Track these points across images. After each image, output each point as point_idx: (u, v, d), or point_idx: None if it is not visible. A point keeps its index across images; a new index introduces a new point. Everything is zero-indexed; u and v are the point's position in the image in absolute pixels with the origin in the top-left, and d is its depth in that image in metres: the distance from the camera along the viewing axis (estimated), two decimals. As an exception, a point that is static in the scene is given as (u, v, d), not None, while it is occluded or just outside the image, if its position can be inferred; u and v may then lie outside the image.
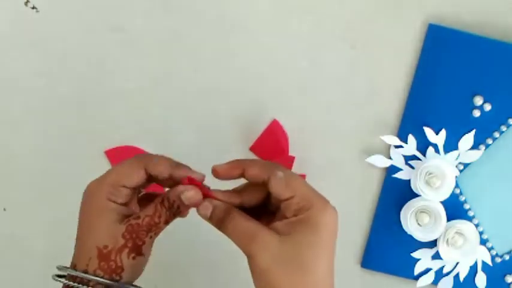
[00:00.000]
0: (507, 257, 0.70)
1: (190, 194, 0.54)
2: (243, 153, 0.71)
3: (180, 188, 0.54)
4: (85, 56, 0.72)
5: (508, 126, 0.70)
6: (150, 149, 0.71)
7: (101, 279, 0.53)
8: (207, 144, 0.72)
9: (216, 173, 0.55)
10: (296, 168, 0.71)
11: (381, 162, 0.71)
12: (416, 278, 0.70)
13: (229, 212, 0.54)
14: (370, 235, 0.71)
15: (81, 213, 0.56)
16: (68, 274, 0.54)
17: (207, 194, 0.54)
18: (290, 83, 0.72)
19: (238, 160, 0.55)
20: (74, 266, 0.55)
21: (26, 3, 0.73)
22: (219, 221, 0.54)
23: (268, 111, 0.72)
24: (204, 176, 0.55)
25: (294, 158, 0.71)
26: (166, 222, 0.55)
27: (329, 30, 0.72)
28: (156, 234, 0.55)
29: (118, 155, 0.71)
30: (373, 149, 0.71)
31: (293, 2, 0.72)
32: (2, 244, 0.73)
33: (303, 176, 0.71)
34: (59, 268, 0.55)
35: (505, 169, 0.70)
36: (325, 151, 0.72)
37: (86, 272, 0.54)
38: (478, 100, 0.70)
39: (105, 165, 0.71)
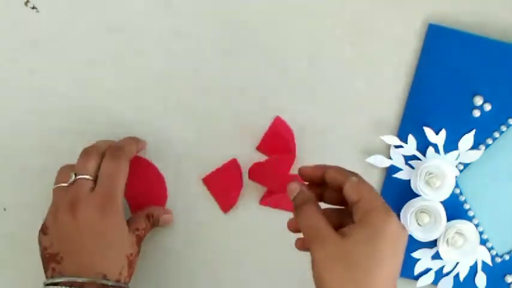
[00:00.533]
0: (507, 257, 0.70)
1: (168, 217, 0.69)
2: (250, 153, 0.71)
3: (161, 210, 0.68)
4: (85, 56, 0.72)
5: (508, 126, 0.70)
6: (150, 149, 0.71)
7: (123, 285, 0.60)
8: (208, 145, 0.72)
9: (302, 171, 0.59)
10: (296, 168, 0.71)
11: (381, 162, 0.71)
12: (416, 278, 0.70)
13: (307, 201, 0.56)
14: (370, 235, 0.71)
15: (104, 223, 0.60)
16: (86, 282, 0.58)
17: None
18: (290, 83, 0.72)
19: (321, 164, 0.59)
20: (103, 276, 0.58)
21: (26, 3, 0.73)
22: (296, 206, 0.56)
23: (268, 111, 0.72)
24: (145, 143, 0.69)
25: (294, 157, 0.70)
26: (146, 231, 0.67)
27: (329, 30, 0.72)
28: None
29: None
30: (373, 149, 0.71)
31: (293, 2, 0.72)
32: (2, 244, 0.72)
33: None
34: (90, 281, 0.57)
35: (505, 169, 0.70)
36: (325, 151, 0.72)
37: (118, 281, 0.58)
38: (478, 100, 0.70)
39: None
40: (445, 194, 0.69)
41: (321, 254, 0.52)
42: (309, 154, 0.71)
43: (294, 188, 0.57)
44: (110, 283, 0.56)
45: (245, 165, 0.71)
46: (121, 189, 0.61)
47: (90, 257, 0.57)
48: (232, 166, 0.71)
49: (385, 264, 0.51)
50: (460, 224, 0.69)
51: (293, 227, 0.58)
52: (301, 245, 0.58)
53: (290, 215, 0.71)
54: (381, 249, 0.51)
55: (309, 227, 0.54)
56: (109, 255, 0.58)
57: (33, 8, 0.73)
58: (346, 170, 0.57)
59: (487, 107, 0.70)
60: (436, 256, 0.70)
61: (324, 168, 0.58)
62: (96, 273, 0.56)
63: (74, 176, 0.62)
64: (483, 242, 0.70)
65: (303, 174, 0.59)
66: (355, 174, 0.56)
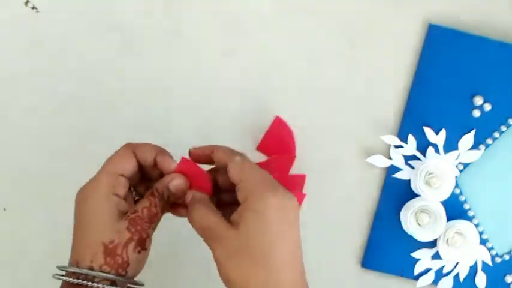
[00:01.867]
0: (507, 257, 0.70)
1: (177, 181, 0.57)
2: (250, 153, 0.71)
3: (167, 178, 0.57)
4: (85, 56, 0.72)
5: (508, 126, 0.70)
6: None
7: (108, 275, 0.53)
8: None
9: (190, 153, 0.58)
10: (296, 168, 0.71)
11: (381, 162, 0.71)
12: (416, 278, 0.70)
13: (197, 201, 0.56)
14: (370, 235, 0.71)
15: (80, 210, 0.56)
16: (68, 272, 0.54)
17: (198, 172, 0.57)
18: (290, 83, 0.72)
19: (210, 145, 0.58)
20: (76, 263, 0.54)
21: (26, 3, 0.73)
22: (188, 207, 0.56)
23: (268, 111, 0.72)
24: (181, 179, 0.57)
25: (294, 157, 0.70)
26: (163, 212, 0.57)
27: (329, 30, 0.72)
28: (156, 225, 0.57)
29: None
30: (373, 149, 0.71)
31: (293, 2, 0.72)
32: (2, 244, 0.73)
33: (302, 177, 0.71)
34: (60, 268, 0.55)
35: (505, 169, 0.70)
36: (325, 151, 0.72)
37: (91, 268, 0.54)
38: (478, 100, 0.70)
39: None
40: (445, 194, 0.69)
41: (219, 253, 0.52)
42: (309, 154, 0.71)
43: (180, 182, 0.57)
44: (79, 270, 0.53)
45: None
46: (108, 170, 0.56)
47: (73, 243, 0.56)
48: None
49: (281, 242, 0.51)
50: (460, 224, 0.69)
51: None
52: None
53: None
54: (271, 230, 0.51)
55: (202, 228, 0.54)
56: (80, 241, 0.55)
57: (33, 8, 0.73)
58: (233, 150, 0.57)
59: (487, 107, 0.70)
60: (436, 256, 0.70)
61: (212, 148, 0.57)
62: (72, 260, 0.55)
63: None
64: (483, 242, 0.70)
65: (193, 156, 0.58)
66: (241, 154, 0.56)
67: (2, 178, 0.73)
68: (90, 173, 0.56)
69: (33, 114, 0.72)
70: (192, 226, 0.55)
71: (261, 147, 0.71)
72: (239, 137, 0.72)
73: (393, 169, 0.71)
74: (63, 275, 0.54)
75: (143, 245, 0.55)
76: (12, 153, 0.73)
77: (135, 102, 0.72)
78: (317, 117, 0.72)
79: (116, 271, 0.54)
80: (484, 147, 0.70)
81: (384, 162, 0.71)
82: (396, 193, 0.70)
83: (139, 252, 0.55)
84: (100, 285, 0.53)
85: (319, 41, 0.72)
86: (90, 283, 0.53)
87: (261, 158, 0.71)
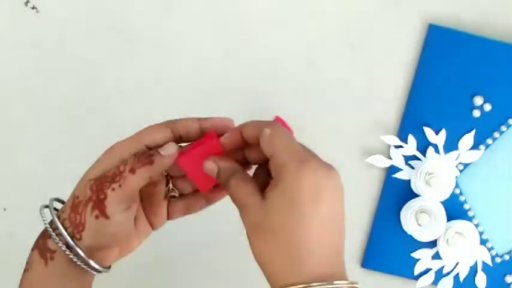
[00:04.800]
0: (507, 257, 0.70)
1: (170, 148, 0.53)
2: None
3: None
4: (85, 56, 0.72)
5: (508, 126, 0.70)
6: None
7: (63, 230, 0.52)
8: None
9: (224, 144, 0.53)
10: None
11: (381, 162, 0.71)
12: (416, 278, 0.70)
13: (231, 175, 0.51)
14: (370, 235, 0.71)
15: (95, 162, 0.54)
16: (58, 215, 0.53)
17: (218, 149, 0.53)
18: (290, 83, 0.72)
19: (236, 127, 0.53)
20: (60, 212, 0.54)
21: (26, 3, 0.73)
22: (224, 183, 0.51)
23: (268, 111, 0.72)
24: (231, 121, 0.55)
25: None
26: (132, 171, 0.51)
27: (329, 30, 0.72)
28: (121, 186, 0.51)
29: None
30: (373, 149, 0.71)
31: (293, 2, 0.72)
32: (2, 244, 0.73)
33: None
34: (56, 199, 0.55)
35: (505, 169, 0.70)
36: (325, 151, 0.72)
37: (58, 217, 0.53)
38: (478, 100, 0.70)
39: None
40: (445, 194, 0.69)
41: (244, 223, 0.49)
42: (309, 154, 0.71)
43: (212, 167, 0.52)
44: (54, 217, 0.53)
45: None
46: (134, 136, 0.54)
47: None
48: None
49: (308, 221, 0.47)
50: (460, 224, 0.69)
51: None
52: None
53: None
54: (297, 210, 0.47)
55: (235, 199, 0.50)
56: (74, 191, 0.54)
57: (33, 8, 0.73)
58: (262, 122, 0.51)
59: (487, 107, 0.70)
60: (436, 256, 0.70)
61: (240, 128, 0.52)
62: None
63: None
64: (483, 242, 0.70)
65: (228, 146, 0.53)
66: (271, 124, 0.50)
67: (2, 178, 0.73)
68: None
69: (33, 114, 0.72)
70: (230, 197, 0.51)
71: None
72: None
73: (393, 169, 0.71)
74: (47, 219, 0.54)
75: (101, 208, 0.51)
76: (12, 153, 0.73)
77: (135, 103, 0.72)
78: (317, 117, 0.72)
79: (72, 230, 0.52)
80: (484, 147, 0.70)
81: (384, 162, 0.71)
82: (396, 193, 0.70)
83: (96, 217, 0.51)
84: (56, 238, 0.52)
85: (319, 41, 0.72)
86: (51, 231, 0.52)
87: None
